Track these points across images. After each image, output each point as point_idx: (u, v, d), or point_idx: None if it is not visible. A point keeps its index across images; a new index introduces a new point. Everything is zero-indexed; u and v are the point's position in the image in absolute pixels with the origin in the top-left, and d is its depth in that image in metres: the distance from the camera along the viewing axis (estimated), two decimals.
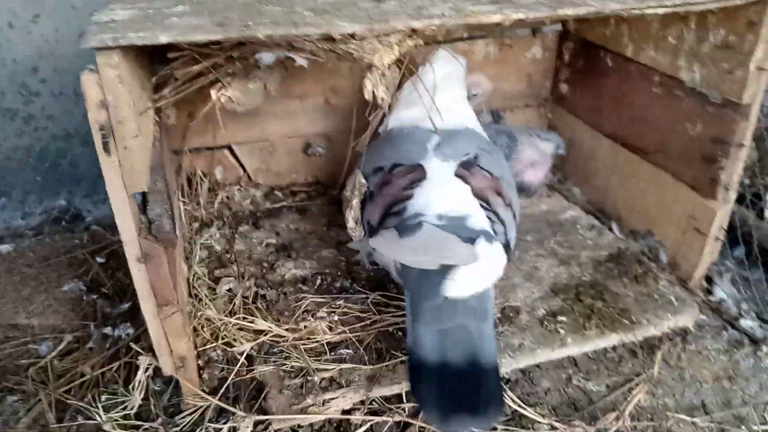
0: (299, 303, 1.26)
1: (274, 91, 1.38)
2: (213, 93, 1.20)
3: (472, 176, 1.23)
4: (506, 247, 1.21)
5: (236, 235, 1.51)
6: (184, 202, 1.51)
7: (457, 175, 1.22)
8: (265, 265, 1.41)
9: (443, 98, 1.43)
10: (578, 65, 1.83)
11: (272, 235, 1.54)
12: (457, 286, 1.01)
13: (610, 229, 1.69)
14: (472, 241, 1.07)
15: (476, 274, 1.04)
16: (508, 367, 1.19)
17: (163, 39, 0.87)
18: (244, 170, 1.72)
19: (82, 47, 0.82)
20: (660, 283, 1.45)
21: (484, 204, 1.20)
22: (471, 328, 1.01)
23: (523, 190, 1.72)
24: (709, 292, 1.50)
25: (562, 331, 1.28)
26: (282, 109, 1.70)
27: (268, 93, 1.37)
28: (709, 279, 1.53)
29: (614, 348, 1.29)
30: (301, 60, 1.14)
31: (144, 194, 0.95)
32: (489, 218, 1.18)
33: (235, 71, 1.18)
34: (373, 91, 1.24)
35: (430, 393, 0.97)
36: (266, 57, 1.14)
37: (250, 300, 1.26)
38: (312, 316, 1.22)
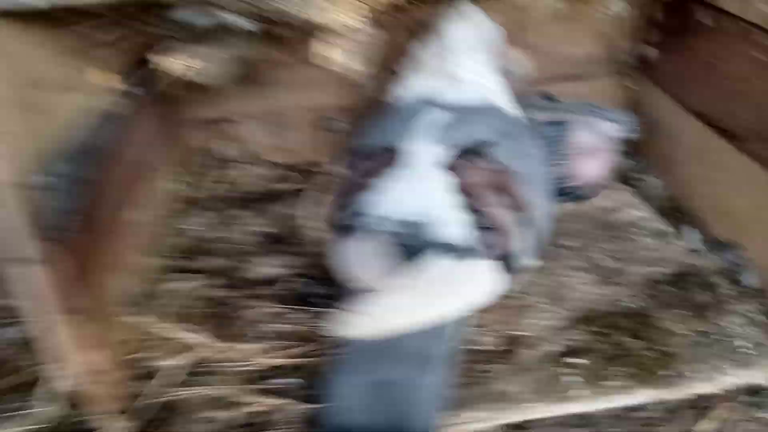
0: (249, 311, 1.07)
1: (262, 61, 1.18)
2: (159, 60, 1.03)
3: (468, 168, 0.96)
4: (505, 262, 0.94)
5: (224, 220, 1.35)
6: (176, 179, 1.37)
7: (450, 166, 0.96)
8: (241, 258, 1.24)
9: (464, 65, 1.15)
10: (670, 24, 1.43)
11: (266, 223, 1.36)
12: (366, 322, 0.77)
13: (683, 237, 1.31)
14: (414, 254, 0.81)
15: (407, 303, 0.79)
16: (487, 422, 0.92)
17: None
18: (253, 146, 1.55)
19: None
20: (734, 319, 1.08)
21: (474, 205, 0.93)
22: (400, 383, 0.76)
23: (577, 190, 1.37)
24: None
25: (575, 378, 0.98)
26: (298, 77, 1.49)
27: (253, 63, 1.18)
28: None
29: (644, 405, 0.97)
30: (242, 23, 0.94)
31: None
32: (477, 224, 0.92)
33: (175, 35, 0.99)
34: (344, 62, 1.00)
35: None
36: (200, 19, 0.95)
37: (200, 303, 1.10)
38: (256, 330, 1.03)
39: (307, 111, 1.54)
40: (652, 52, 1.51)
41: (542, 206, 1.06)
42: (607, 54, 1.58)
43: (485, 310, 0.96)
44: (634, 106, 1.63)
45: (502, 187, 0.97)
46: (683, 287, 1.16)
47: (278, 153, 1.56)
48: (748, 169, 1.19)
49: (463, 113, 1.05)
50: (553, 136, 1.30)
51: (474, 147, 0.98)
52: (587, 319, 1.10)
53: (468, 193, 0.94)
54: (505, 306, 1.07)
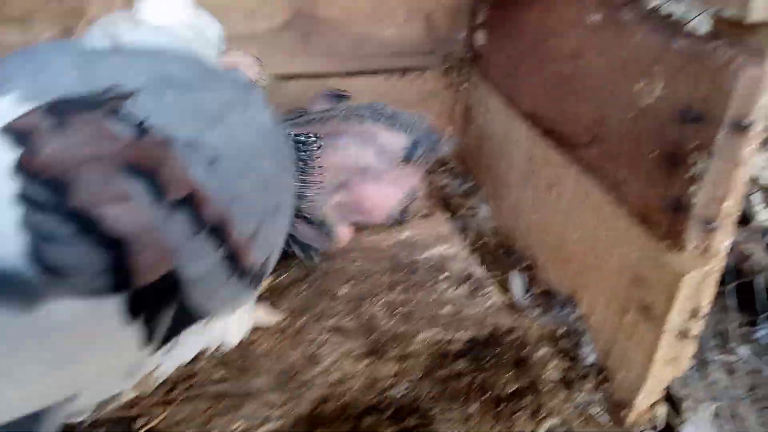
0: None
1: None
2: None
3: (59, 135, 0.50)
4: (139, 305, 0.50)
5: None
6: None
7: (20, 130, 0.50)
8: None
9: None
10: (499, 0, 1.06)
11: None
12: None
13: (506, 285, 0.92)
14: None
15: None
16: None
17: None
18: None
19: None
20: (562, 411, 0.68)
21: (67, 202, 0.48)
22: None
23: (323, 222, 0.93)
24: None
25: None
26: None
27: None
28: (674, 406, 0.75)
29: None
30: None
31: None
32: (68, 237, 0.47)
33: None
34: None
35: None
36: None
37: None
38: None
39: None
40: (479, 39, 1.14)
41: (262, 219, 0.62)
42: (429, 41, 1.20)
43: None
44: (464, 110, 1.26)
45: (149, 168, 0.52)
46: (487, 364, 0.75)
47: None
48: (581, 186, 0.81)
49: (103, 55, 0.61)
50: (303, 153, 0.86)
51: (92, 98, 0.53)
52: (318, 419, 0.66)
53: (54, 178, 0.48)
54: (194, 397, 0.62)
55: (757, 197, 1.43)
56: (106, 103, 0.53)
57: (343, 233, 0.95)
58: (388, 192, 0.94)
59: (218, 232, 0.56)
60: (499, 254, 1.02)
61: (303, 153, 0.84)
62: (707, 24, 0.61)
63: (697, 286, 0.66)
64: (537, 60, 0.92)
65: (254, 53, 1.03)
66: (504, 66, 1.04)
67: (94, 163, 0.49)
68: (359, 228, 1.00)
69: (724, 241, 0.65)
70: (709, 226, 0.63)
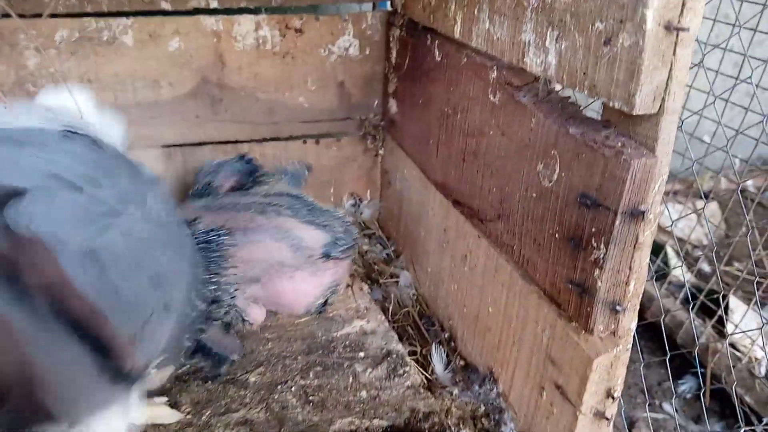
0: None
1: None
2: None
3: None
4: None
5: None
6: None
7: None
8: None
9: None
10: (405, 66, 1.07)
11: None
12: None
13: (423, 361, 0.89)
14: None
15: None
16: None
17: None
18: None
19: None
20: None
21: None
22: None
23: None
24: None
25: None
26: None
27: None
28: None
29: None
30: None
31: None
32: None
33: None
34: None
35: None
36: None
37: None
38: None
39: None
40: (393, 107, 1.14)
41: (148, 319, 0.57)
42: (343, 109, 1.19)
43: None
44: (382, 174, 1.25)
45: (9, 259, 0.48)
46: None
47: None
48: (492, 260, 0.80)
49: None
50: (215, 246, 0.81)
51: None
52: None
53: None
54: None
55: (671, 251, 1.48)
56: None
57: (256, 314, 0.90)
58: (304, 288, 0.90)
59: (86, 328, 0.52)
60: (420, 325, 0.99)
61: (214, 245, 0.80)
62: (600, 110, 0.61)
63: (609, 367, 0.65)
64: (445, 133, 0.92)
65: (160, 121, 0.98)
66: (415, 135, 1.04)
67: None
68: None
69: (631, 322, 0.64)
70: (615, 309, 0.62)
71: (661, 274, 1.41)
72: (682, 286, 1.36)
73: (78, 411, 0.55)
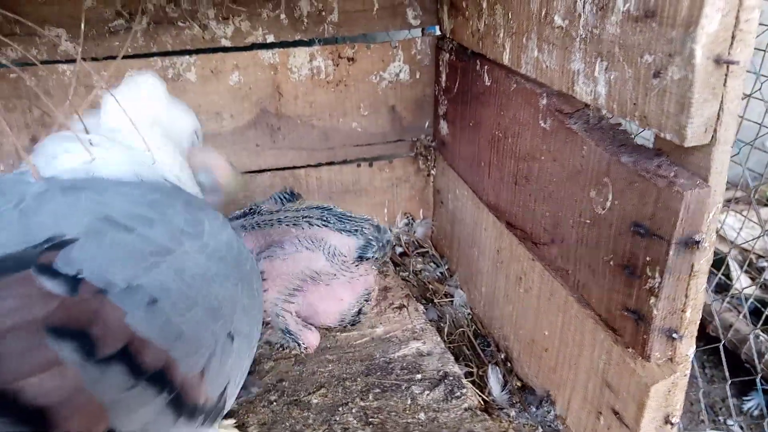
0: None
1: None
2: None
3: None
4: None
5: None
6: None
7: None
8: None
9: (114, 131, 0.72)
10: (455, 89, 1.09)
11: None
12: None
13: (479, 382, 0.91)
14: None
15: None
16: None
17: None
18: None
19: None
20: None
21: None
22: None
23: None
24: None
25: None
26: None
27: None
28: None
29: None
30: None
31: None
32: None
33: None
34: None
35: None
36: None
37: None
38: None
39: None
40: (443, 129, 1.16)
41: (214, 351, 0.61)
42: (395, 131, 1.22)
43: None
44: (434, 193, 1.27)
45: (80, 326, 0.51)
46: None
47: None
48: (553, 290, 0.81)
49: (48, 192, 0.60)
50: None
51: (24, 255, 0.53)
52: None
53: None
54: None
55: (734, 262, 1.44)
56: (41, 256, 0.52)
57: (310, 339, 0.94)
58: (341, 295, 0.93)
59: (160, 376, 0.54)
60: (476, 346, 1.01)
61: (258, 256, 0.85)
62: (652, 137, 0.62)
63: (666, 394, 0.65)
64: (496, 156, 0.93)
65: (222, 151, 1.03)
66: (466, 157, 1.06)
67: (20, 332, 0.48)
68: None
69: (689, 348, 0.64)
70: (672, 336, 0.62)
71: (723, 287, 1.37)
72: (746, 299, 1.32)
73: None
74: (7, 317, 0.48)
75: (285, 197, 1.04)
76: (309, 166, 1.22)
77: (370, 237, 0.92)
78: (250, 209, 1.01)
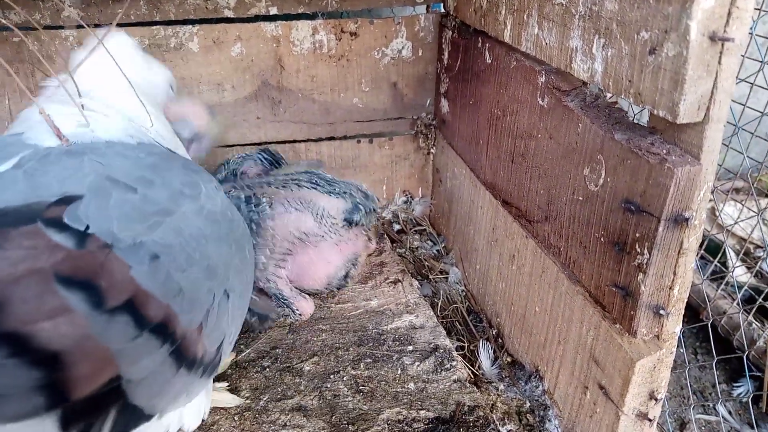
0: None
1: None
2: None
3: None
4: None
5: None
6: None
7: None
8: None
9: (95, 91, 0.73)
10: (456, 67, 1.09)
11: None
12: None
13: (470, 357, 0.92)
14: None
15: None
16: None
17: None
18: None
19: None
20: None
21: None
22: None
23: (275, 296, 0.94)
24: None
25: None
26: None
27: None
28: None
29: None
30: None
31: None
32: None
33: None
34: None
35: None
36: None
37: None
38: None
39: None
40: (444, 107, 1.17)
41: (211, 307, 0.62)
42: (396, 108, 1.22)
43: None
44: (433, 172, 1.28)
45: (88, 277, 0.52)
46: None
47: None
48: (539, 261, 0.82)
49: (52, 154, 0.61)
50: (248, 213, 0.88)
51: (33, 207, 0.54)
52: None
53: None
54: None
55: (731, 251, 1.44)
56: (47, 210, 0.53)
57: (305, 307, 0.95)
58: (328, 257, 0.94)
59: (163, 328, 0.56)
60: (468, 321, 1.02)
61: (254, 214, 0.86)
62: (647, 116, 0.62)
63: (652, 370, 0.66)
64: (494, 134, 0.93)
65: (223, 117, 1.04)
66: (465, 135, 1.06)
67: (31, 279, 0.49)
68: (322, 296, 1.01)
69: (676, 326, 0.65)
70: (659, 313, 0.63)
71: (719, 275, 1.38)
72: (741, 287, 1.33)
73: (164, 403, 0.60)
74: (19, 265, 0.49)
75: (265, 158, 1.04)
76: (309, 140, 1.22)
77: (358, 201, 0.93)
78: (232, 173, 1.02)
